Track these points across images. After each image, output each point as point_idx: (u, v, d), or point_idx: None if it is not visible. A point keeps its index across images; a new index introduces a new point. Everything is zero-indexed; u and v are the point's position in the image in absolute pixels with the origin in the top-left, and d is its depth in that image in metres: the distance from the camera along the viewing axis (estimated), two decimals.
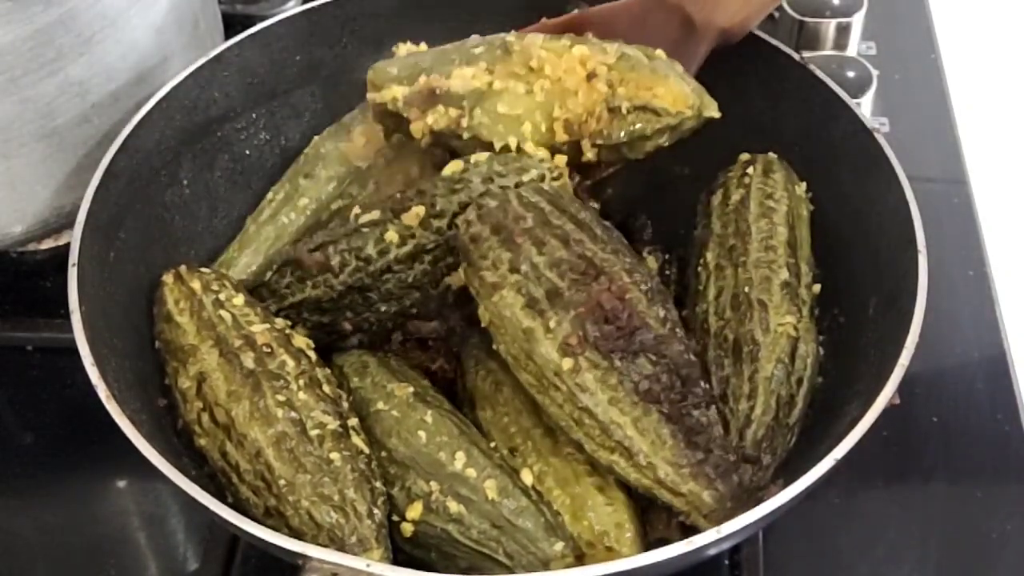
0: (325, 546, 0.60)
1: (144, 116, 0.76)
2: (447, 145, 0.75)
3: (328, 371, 0.70)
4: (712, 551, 0.59)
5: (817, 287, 0.75)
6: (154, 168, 0.78)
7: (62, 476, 0.80)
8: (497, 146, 0.73)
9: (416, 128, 0.75)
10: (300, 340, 0.71)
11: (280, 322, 0.72)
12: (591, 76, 0.71)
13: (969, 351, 0.84)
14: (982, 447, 0.79)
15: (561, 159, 0.73)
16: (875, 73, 0.96)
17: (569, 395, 0.62)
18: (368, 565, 0.55)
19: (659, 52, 0.73)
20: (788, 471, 0.67)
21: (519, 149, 0.72)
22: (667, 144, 0.72)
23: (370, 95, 0.77)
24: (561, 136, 0.72)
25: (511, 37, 0.76)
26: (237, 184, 0.84)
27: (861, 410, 0.61)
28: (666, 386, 0.62)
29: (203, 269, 0.75)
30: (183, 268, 0.74)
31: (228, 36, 0.84)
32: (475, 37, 0.78)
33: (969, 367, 0.83)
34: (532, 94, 0.72)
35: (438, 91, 0.74)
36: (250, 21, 0.85)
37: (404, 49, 0.79)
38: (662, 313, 0.64)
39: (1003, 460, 0.78)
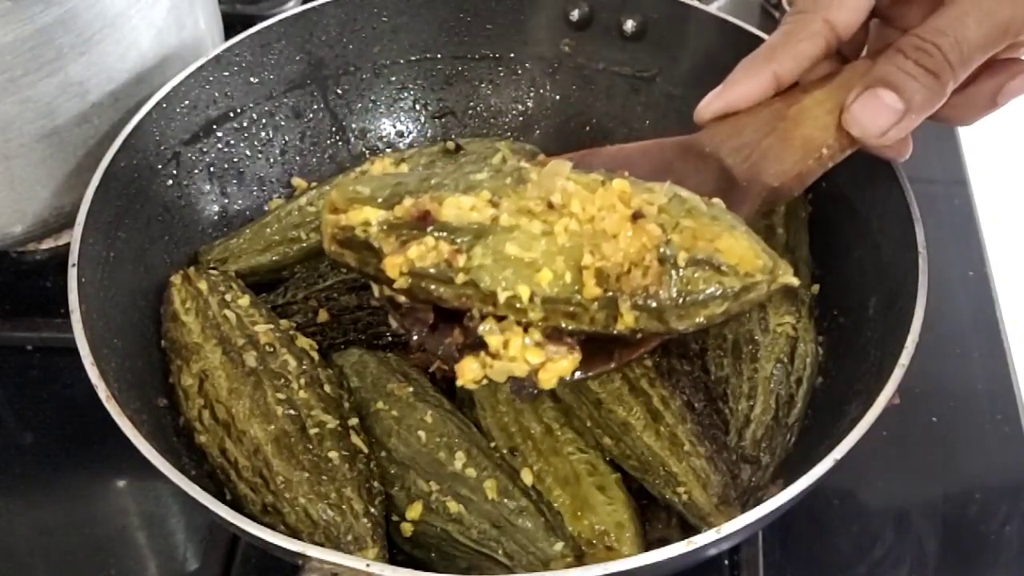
0: (321, 544, 0.60)
1: (144, 116, 0.76)
2: (427, 293, 0.57)
3: (330, 372, 0.70)
4: (712, 551, 0.59)
5: (816, 288, 0.75)
6: (154, 168, 0.78)
7: (62, 476, 0.79)
8: (502, 297, 0.55)
9: (391, 265, 0.56)
10: (303, 341, 0.71)
11: (284, 323, 0.73)
12: (636, 217, 0.55)
13: (969, 351, 0.84)
14: (982, 447, 0.79)
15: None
16: None
17: None
18: (368, 565, 0.55)
19: (716, 200, 0.57)
20: (788, 471, 0.67)
21: (533, 302, 0.55)
22: (721, 319, 0.56)
23: (330, 218, 0.58)
24: (592, 291, 0.55)
25: (526, 164, 0.59)
26: (237, 184, 0.84)
27: (861, 410, 0.61)
28: (693, 387, 0.65)
29: (211, 271, 0.76)
30: (191, 269, 0.75)
31: (228, 36, 0.84)
32: (473, 157, 0.64)
33: (969, 367, 0.83)
34: (552, 235, 0.55)
35: (431, 216, 0.56)
36: (250, 21, 0.85)
37: (379, 166, 0.64)
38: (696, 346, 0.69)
39: (1003, 460, 0.78)
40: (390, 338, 0.76)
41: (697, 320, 0.55)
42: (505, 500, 0.63)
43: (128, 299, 0.73)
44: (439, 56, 0.89)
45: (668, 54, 0.85)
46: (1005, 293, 0.87)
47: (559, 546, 0.62)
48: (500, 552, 0.63)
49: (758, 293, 0.55)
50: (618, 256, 0.54)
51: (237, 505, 0.64)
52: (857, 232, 0.75)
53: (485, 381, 0.56)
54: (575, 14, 0.87)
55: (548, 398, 0.69)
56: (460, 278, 0.55)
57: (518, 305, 0.55)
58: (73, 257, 0.68)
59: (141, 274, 0.75)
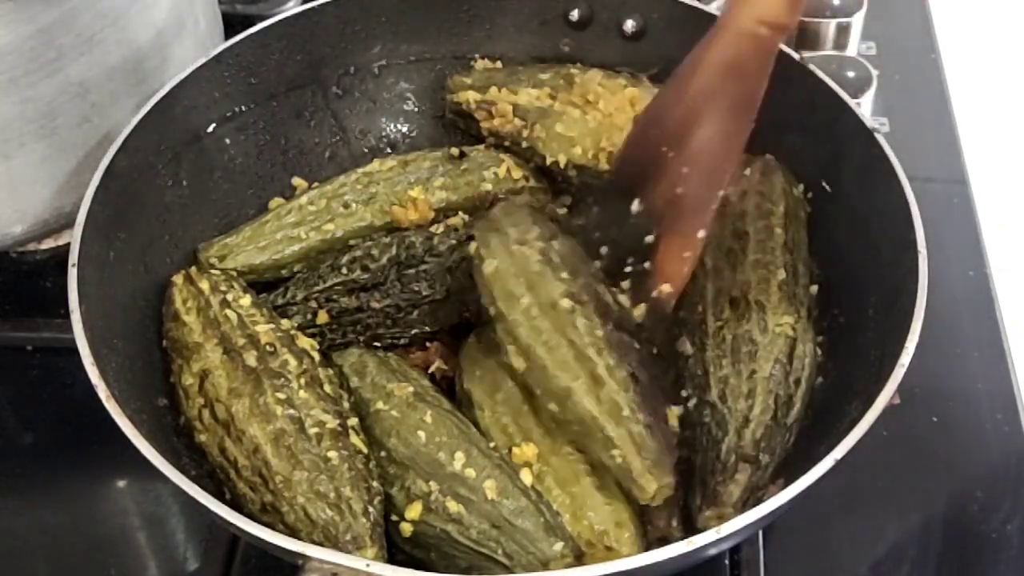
0: (319, 543, 0.60)
1: (144, 116, 0.76)
2: (504, 147, 0.84)
3: (330, 371, 0.70)
4: (712, 551, 0.59)
5: (814, 288, 0.75)
6: (154, 168, 0.78)
7: (62, 476, 0.79)
8: (548, 161, 0.81)
9: (483, 127, 0.85)
10: (304, 341, 0.71)
11: (286, 323, 0.73)
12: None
13: (969, 351, 0.84)
14: (982, 447, 0.79)
15: None
16: (875, 73, 0.96)
17: (558, 326, 0.66)
18: (368, 565, 0.55)
19: None
20: (788, 471, 0.67)
21: (567, 166, 0.80)
22: None
23: (449, 96, 0.87)
24: (603, 165, 0.78)
25: (575, 70, 0.84)
26: (237, 184, 0.84)
27: (861, 410, 0.61)
28: (641, 361, 0.67)
29: (213, 270, 0.76)
30: (193, 269, 0.75)
31: (228, 36, 0.84)
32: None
33: (969, 367, 0.83)
34: (586, 120, 0.80)
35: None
36: (250, 21, 0.85)
37: (481, 64, 0.88)
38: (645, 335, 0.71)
39: (1003, 460, 0.78)
40: (389, 340, 0.76)
41: None
42: (504, 500, 0.63)
43: (128, 299, 0.73)
44: (439, 56, 0.89)
45: (668, 54, 0.84)
46: (1005, 293, 0.87)
47: (559, 546, 0.62)
48: (500, 552, 0.63)
49: None
50: (620, 143, 0.77)
51: (236, 504, 0.64)
52: (857, 232, 0.75)
53: None
54: (575, 14, 0.87)
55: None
56: (524, 144, 0.82)
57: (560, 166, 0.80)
58: (73, 257, 0.68)
59: (141, 274, 0.75)
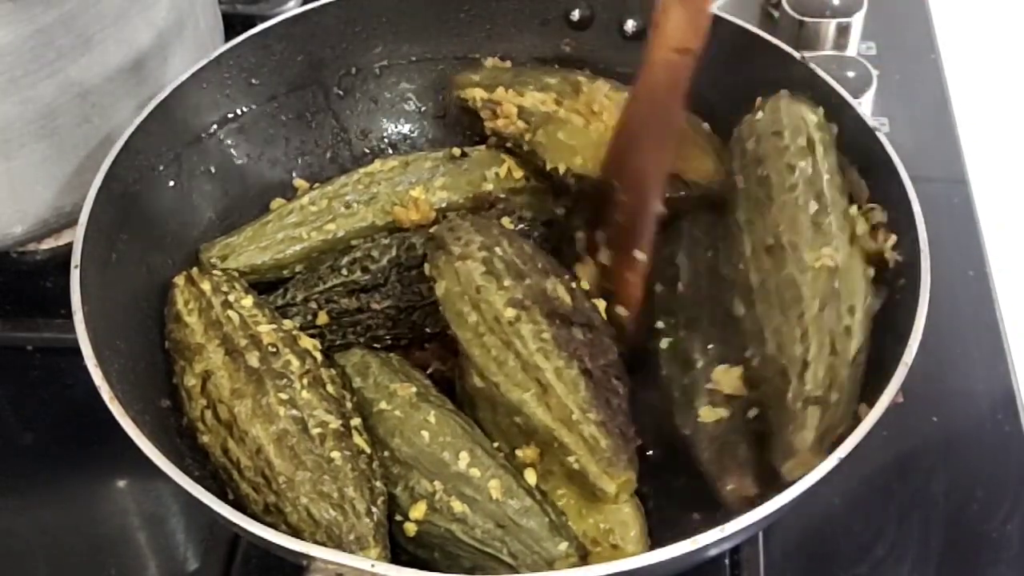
0: (323, 543, 0.60)
1: (146, 117, 0.76)
2: (506, 148, 0.84)
3: (333, 371, 0.70)
4: (713, 551, 0.59)
5: (855, 209, 0.72)
6: (155, 169, 0.78)
7: (62, 476, 0.79)
8: (548, 167, 0.80)
9: (487, 126, 0.84)
10: (307, 341, 0.71)
11: (288, 323, 0.73)
12: None
13: (969, 351, 0.84)
14: (982, 447, 0.79)
15: None
16: (875, 73, 0.96)
17: (504, 340, 0.66)
18: (372, 565, 0.55)
19: (705, 125, 0.80)
20: None
21: (567, 174, 0.80)
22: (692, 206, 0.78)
23: (455, 92, 0.87)
24: (606, 175, 0.77)
25: (583, 77, 0.83)
26: (239, 185, 0.84)
27: (864, 409, 0.61)
28: (592, 353, 0.66)
29: (215, 271, 0.76)
30: (195, 270, 0.75)
31: (228, 36, 0.84)
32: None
33: (969, 367, 0.83)
34: (589, 131, 0.80)
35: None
36: (250, 21, 0.85)
37: (491, 63, 0.87)
38: (600, 319, 0.70)
39: (1003, 460, 0.78)
40: (389, 341, 0.76)
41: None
42: (509, 500, 0.64)
43: (130, 300, 0.73)
44: (440, 56, 0.89)
45: None
46: (1005, 293, 0.88)
47: (563, 546, 0.62)
48: (504, 552, 0.63)
49: (711, 192, 0.77)
50: None
51: (239, 505, 0.64)
52: None
53: None
54: (575, 14, 0.87)
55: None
56: (526, 147, 0.82)
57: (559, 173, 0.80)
58: (76, 259, 0.68)
59: (143, 275, 0.75)
